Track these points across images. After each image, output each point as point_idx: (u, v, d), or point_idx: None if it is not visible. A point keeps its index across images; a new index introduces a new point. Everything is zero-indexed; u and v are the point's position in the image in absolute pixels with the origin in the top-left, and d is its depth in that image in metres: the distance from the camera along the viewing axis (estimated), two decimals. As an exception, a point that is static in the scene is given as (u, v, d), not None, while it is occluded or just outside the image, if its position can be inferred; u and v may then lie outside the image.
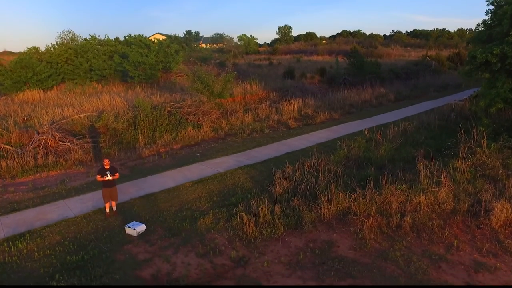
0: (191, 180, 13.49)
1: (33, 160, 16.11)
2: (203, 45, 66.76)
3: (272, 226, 9.72)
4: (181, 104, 21.59)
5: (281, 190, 11.44)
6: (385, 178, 10.89)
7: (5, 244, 9.65)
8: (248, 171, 14.21)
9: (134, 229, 9.88)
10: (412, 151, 14.68)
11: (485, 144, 13.04)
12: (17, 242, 9.66)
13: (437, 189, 10.44)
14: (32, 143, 17.76)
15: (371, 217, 9.56)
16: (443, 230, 9.25)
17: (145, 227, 10.12)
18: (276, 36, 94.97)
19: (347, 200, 10.28)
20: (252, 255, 8.80)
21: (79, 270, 8.43)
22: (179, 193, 12.50)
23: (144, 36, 36.81)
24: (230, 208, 10.86)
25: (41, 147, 17.50)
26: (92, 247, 9.36)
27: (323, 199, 10.29)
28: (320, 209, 10.19)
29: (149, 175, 14.30)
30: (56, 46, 38.18)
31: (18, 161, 15.95)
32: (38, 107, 24.60)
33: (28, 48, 37.14)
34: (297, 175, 12.14)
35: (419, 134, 17.21)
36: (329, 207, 10.17)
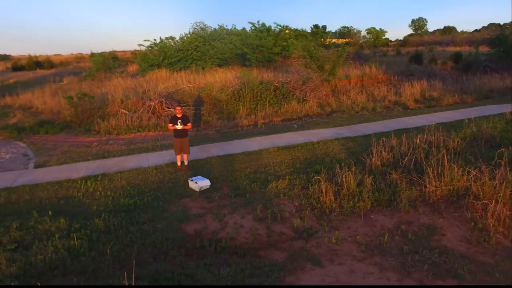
0: (278, 146, 12.00)
1: (138, 122, 16.73)
2: (331, 40, 64.25)
3: (356, 199, 7.56)
4: (288, 79, 20.21)
5: (378, 162, 9.06)
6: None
7: (79, 182, 9.61)
8: (344, 142, 12.05)
9: (197, 183, 8.80)
10: None
11: None
12: (89, 181, 9.52)
13: None
14: (143, 108, 18.54)
15: (501, 204, 6.63)
16: None
17: (209, 183, 8.97)
18: (410, 32, 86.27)
19: (465, 179, 7.45)
20: (320, 228, 6.84)
21: (127, 213, 7.66)
22: (260, 156, 11.10)
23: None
24: (310, 175, 8.99)
25: (149, 111, 18.13)
26: (149, 195, 8.58)
27: (430, 174, 7.65)
28: (425, 187, 7.59)
29: (237, 139, 13.27)
30: (188, 35, 41.02)
31: (127, 122, 16.72)
32: (161, 82, 26.20)
33: (165, 37, 40.78)
34: (402, 148, 9.56)
35: None
36: (438, 184, 7.50)
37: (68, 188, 9.29)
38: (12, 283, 5.33)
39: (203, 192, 8.71)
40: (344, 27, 64.30)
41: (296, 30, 45.10)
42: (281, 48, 32.73)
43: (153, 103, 18.49)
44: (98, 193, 8.85)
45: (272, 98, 18.48)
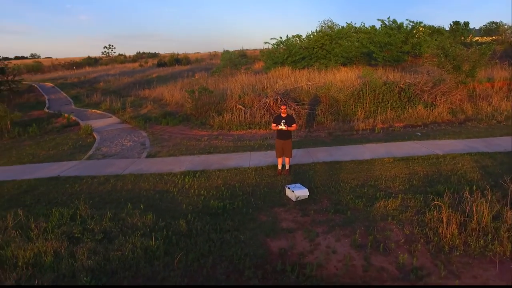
0: (394, 156, 10.27)
1: (251, 118, 16.56)
2: (473, 38, 55.56)
3: (489, 238, 5.71)
4: (416, 81, 17.74)
5: (529, 191, 6.85)
6: None
7: (178, 176, 9.57)
8: (479, 158, 9.70)
9: (293, 191, 7.86)
10: None
11: None
12: (187, 177, 9.40)
13: None
14: (258, 105, 18.37)
15: None
16: None
17: (307, 193, 7.93)
18: None
19: None
20: (435, 271, 5.25)
21: (213, 217, 7.15)
22: (372, 167, 9.60)
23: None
24: (429, 197, 7.26)
25: (264, 108, 17.86)
26: (241, 199, 7.96)
27: None
28: None
29: (349, 144, 11.90)
30: (315, 33, 40.22)
31: (240, 118, 16.70)
32: (281, 80, 25.93)
33: (292, 36, 40.71)
34: None
35: None
36: None
37: (167, 182, 9.28)
38: (85, 278, 5.18)
39: (299, 202, 7.74)
40: (492, 22, 55.08)
41: (431, 27, 40.38)
42: (412, 46, 29.46)
43: (268, 100, 18.16)
44: (192, 190, 8.60)
45: (396, 100, 16.43)
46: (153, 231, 6.43)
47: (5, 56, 42.82)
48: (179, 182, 9.20)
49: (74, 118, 19.94)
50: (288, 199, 7.96)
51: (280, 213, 7.35)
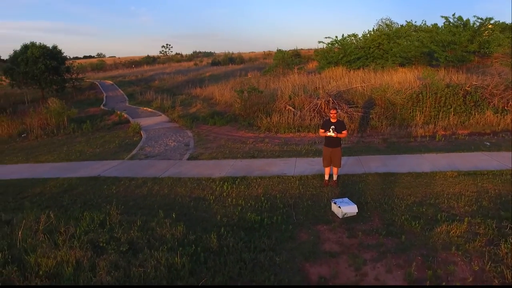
0: (459, 169, 8.96)
1: (300, 121, 15.78)
2: None
3: None
4: (485, 83, 15.88)
5: None
6: None
7: (217, 182, 9.03)
8: None
9: (340, 207, 6.98)
10: None
11: None
12: (226, 184, 8.82)
13: None
14: (308, 107, 17.52)
15: None
16: None
17: (356, 211, 7.01)
18: None
19: None
20: (518, 326, 4.18)
21: (248, 232, 6.48)
22: (432, 181, 8.41)
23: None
24: (505, 224, 6.06)
25: (314, 110, 16.99)
26: (281, 213, 7.22)
27: None
28: None
29: (405, 153, 10.70)
30: (372, 33, 38.50)
31: (288, 120, 15.98)
32: (334, 80, 24.77)
33: (347, 35, 39.20)
34: None
35: None
36: None
37: (204, 188, 8.77)
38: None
39: (347, 220, 6.85)
40: None
41: (502, 23, 36.79)
42: (479, 45, 26.83)
43: (320, 102, 17.26)
44: (230, 199, 7.99)
45: (460, 105, 14.79)
46: (181, 245, 5.89)
47: (75, 55, 45.58)
48: (217, 189, 8.65)
49: (125, 115, 20.29)
50: (334, 215, 7.10)
51: (323, 231, 6.51)
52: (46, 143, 15.61)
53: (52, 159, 12.50)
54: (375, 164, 9.84)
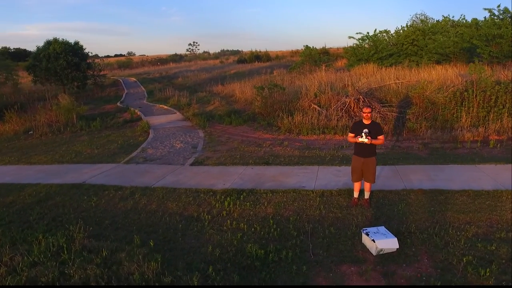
0: (535, 190, 6.85)
1: (326, 121, 13.90)
2: None
3: None
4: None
5: None
6: None
7: (217, 197, 7.31)
8: None
9: (374, 241, 5.09)
10: None
11: None
12: (228, 199, 7.08)
13: None
14: (336, 105, 15.60)
15: None
16: None
17: (397, 245, 5.11)
18: None
19: None
20: None
21: (244, 273, 4.71)
22: (498, 204, 6.34)
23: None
24: None
25: (343, 110, 15.05)
26: (294, 244, 5.41)
27: None
28: None
29: (454, 163, 8.63)
30: (405, 28, 36.05)
31: (312, 120, 14.14)
32: (365, 78, 22.69)
33: (379, 31, 36.82)
34: None
35: None
36: None
37: (201, 204, 7.05)
38: None
39: (383, 259, 4.96)
40: None
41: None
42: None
43: (349, 100, 15.31)
44: (229, 221, 6.24)
45: (515, 105, 12.46)
46: (149, 293, 4.20)
47: (106, 54, 45.31)
48: (217, 205, 6.92)
49: (138, 113, 18.99)
50: (366, 250, 5.22)
51: (349, 276, 4.66)
52: (48, 141, 14.43)
53: (45, 160, 11.18)
54: (417, 176, 7.83)
